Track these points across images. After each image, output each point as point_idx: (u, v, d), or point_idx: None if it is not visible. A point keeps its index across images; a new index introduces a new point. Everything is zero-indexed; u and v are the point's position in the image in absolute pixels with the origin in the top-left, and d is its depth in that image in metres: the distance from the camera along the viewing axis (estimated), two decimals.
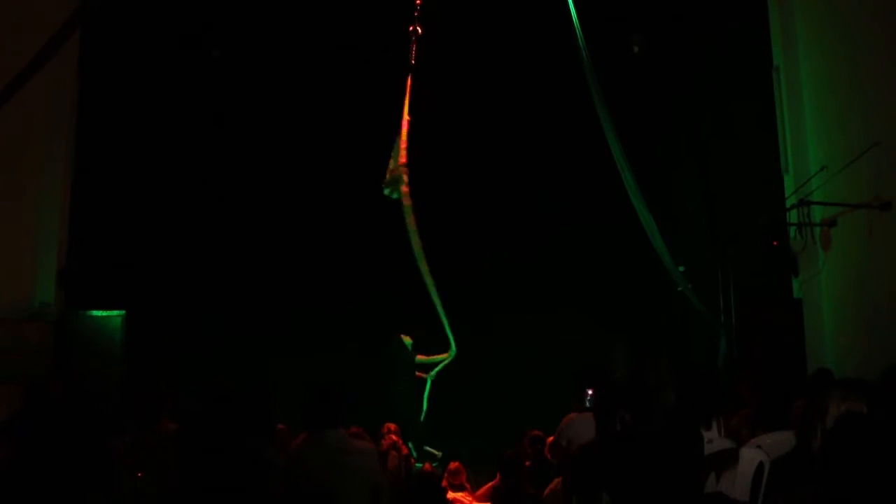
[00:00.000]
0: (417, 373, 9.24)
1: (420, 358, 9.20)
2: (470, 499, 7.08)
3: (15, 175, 8.52)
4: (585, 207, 9.91)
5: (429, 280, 8.88)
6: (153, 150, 9.47)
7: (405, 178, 8.88)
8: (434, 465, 8.33)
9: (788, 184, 8.57)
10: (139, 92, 9.39)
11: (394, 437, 6.74)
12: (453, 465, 7.63)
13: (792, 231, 8.21)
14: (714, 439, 3.48)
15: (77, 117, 9.26)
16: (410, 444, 8.54)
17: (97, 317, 8.54)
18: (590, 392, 5.23)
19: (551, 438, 5.78)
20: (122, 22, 8.96)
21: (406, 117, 8.84)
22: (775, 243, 8.24)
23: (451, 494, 6.54)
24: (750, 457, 3.39)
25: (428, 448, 8.96)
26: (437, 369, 9.24)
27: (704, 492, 2.96)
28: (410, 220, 8.87)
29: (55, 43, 6.11)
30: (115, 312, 8.53)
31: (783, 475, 3.25)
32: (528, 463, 6.48)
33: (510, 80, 9.76)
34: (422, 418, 9.09)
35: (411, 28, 8.80)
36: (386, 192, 9.09)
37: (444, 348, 9.29)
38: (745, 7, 9.20)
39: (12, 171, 8.49)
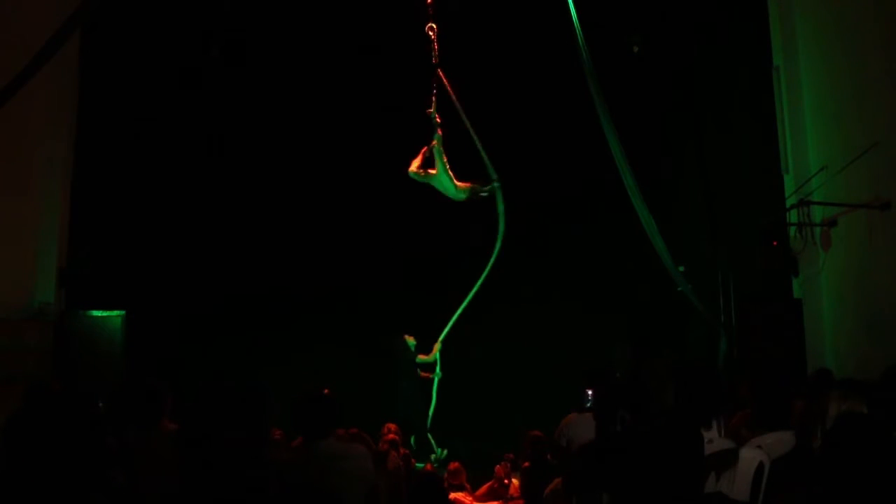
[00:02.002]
0: (423, 373, 9.22)
1: (421, 357, 9.19)
2: (470, 499, 7.09)
3: (15, 175, 8.51)
4: (585, 207, 9.90)
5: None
6: (153, 151, 9.46)
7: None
8: (435, 465, 8.33)
9: (788, 184, 8.57)
10: (139, 92, 9.38)
11: (394, 437, 6.73)
12: (453, 465, 7.64)
13: (792, 231, 8.21)
14: (714, 439, 3.47)
15: (77, 117, 9.24)
16: (412, 440, 8.54)
17: (97, 317, 8.55)
18: (590, 392, 5.24)
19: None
20: (123, 21, 8.95)
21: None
22: (775, 243, 8.23)
23: (451, 494, 6.54)
24: (750, 457, 3.39)
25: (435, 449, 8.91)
26: (424, 360, 9.20)
27: (704, 492, 2.95)
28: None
29: (55, 43, 6.11)
30: (115, 312, 8.54)
31: (783, 475, 3.25)
32: (527, 463, 6.49)
33: (509, 80, 9.76)
34: (430, 419, 9.07)
35: (428, 27, 8.82)
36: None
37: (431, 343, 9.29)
38: (745, 7, 9.19)
39: (13, 170, 8.48)
